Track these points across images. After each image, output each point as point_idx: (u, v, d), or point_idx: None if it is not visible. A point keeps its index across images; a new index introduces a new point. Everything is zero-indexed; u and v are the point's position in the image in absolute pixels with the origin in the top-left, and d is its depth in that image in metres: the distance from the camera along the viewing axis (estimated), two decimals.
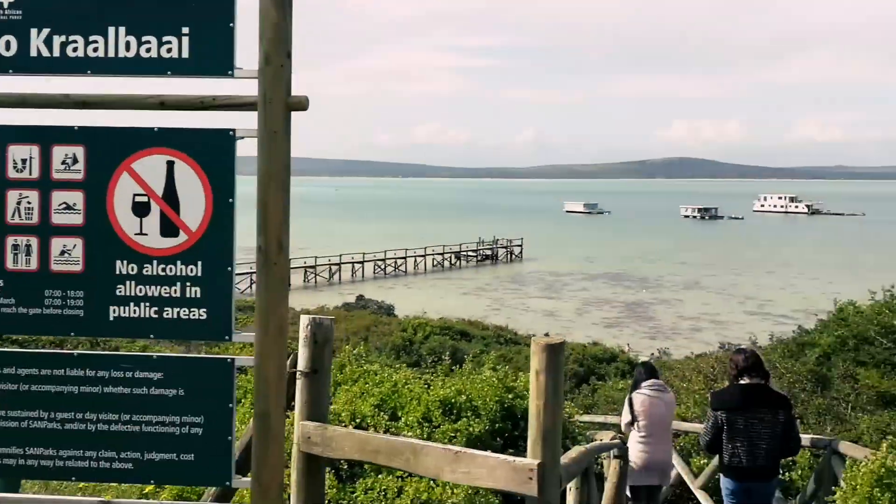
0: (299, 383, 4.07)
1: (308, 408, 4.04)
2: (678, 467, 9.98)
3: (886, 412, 9.79)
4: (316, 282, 74.40)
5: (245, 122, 3.34)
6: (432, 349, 28.39)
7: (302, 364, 4.08)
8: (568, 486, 4.92)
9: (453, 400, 8.05)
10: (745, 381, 6.17)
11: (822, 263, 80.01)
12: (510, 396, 8.28)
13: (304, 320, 4.14)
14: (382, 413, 7.81)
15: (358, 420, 7.69)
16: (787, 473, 9.21)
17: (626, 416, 8.14)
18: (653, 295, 65.97)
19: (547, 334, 35.96)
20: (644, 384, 8.03)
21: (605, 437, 7.42)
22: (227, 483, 3.36)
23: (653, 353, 27.95)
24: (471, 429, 7.58)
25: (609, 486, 6.35)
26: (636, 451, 7.83)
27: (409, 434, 7.42)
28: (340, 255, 76.35)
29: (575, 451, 4.53)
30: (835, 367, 11.71)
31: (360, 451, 3.89)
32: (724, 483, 6.43)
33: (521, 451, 5.45)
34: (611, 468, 6.49)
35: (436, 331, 30.26)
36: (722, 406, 6.21)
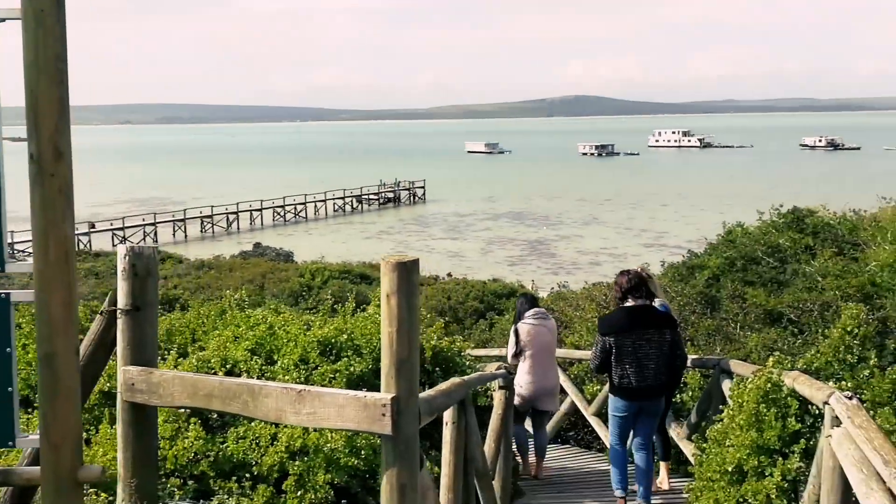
0: (120, 323, 3.51)
1: (131, 351, 3.50)
2: (572, 395, 9.87)
3: (773, 329, 9.86)
4: (213, 232, 72.35)
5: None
6: (332, 294, 27.86)
7: (122, 300, 3.51)
8: (444, 421, 4.52)
9: (333, 340, 7.58)
10: (630, 302, 6.15)
11: (715, 195, 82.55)
12: None
13: (122, 250, 3.56)
14: (256, 358, 7.28)
15: (229, 366, 7.15)
16: (678, 395, 9.17)
17: (511, 348, 8.10)
18: (554, 232, 66.86)
19: (450, 274, 35.88)
20: (527, 314, 8.01)
21: (493, 369, 7.14)
22: (11, 443, 2.80)
23: (552, 288, 28.13)
24: (351, 369, 7.14)
25: (494, 418, 6.04)
26: (525, 381, 7.79)
27: (286, 378, 6.94)
28: (237, 203, 74.25)
29: (445, 384, 4.13)
30: (723, 288, 11.77)
31: (191, 397, 3.39)
32: (614, 403, 6.36)
33: None
34: (496, 399, 6.18)
35: (335, 275, 29.61)
36: (610, 330, 6.17)
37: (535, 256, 56.87)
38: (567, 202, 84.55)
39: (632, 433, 6.58)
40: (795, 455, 5.26)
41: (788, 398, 5.47)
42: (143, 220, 70.05)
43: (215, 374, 7.01)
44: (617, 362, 6.14)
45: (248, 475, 6.06)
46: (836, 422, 4.26)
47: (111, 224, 67.90)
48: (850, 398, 4.24)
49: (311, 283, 28.68)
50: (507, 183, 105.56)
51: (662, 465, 7.37)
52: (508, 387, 6.16)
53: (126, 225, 67.95)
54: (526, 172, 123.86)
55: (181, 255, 43.66)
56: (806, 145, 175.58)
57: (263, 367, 7.19)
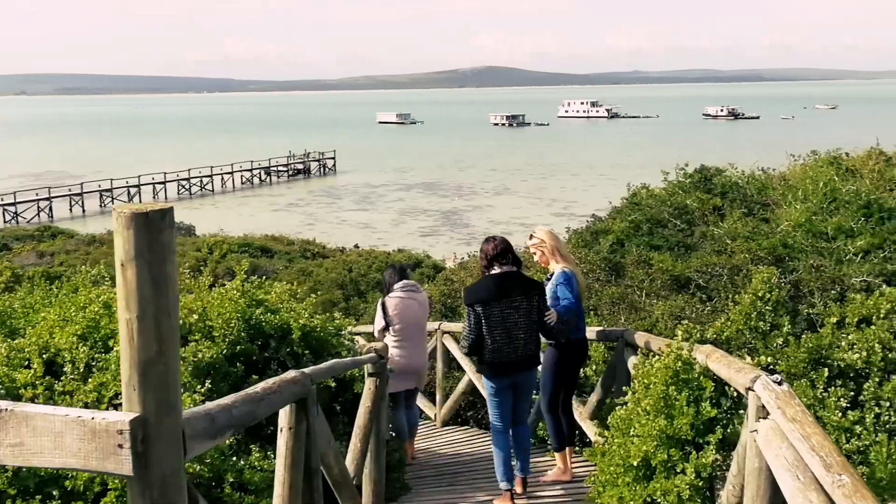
0: None
1: None
2: (469, 373, 9.02)
3: (681, 296, 9.16)
4: (114, 206, 68.87)
5: None
6: (229, 268, 26.36)
7: None
8: (280, 427, 3.46)
9: (182, 320, 6.42)
10: (496, 270, 5.77)
11: (623, 164, 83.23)
12: (259, 312, 6.75)
13: None
14: (85, 344, 6.06)
15: (49, 355, 5.93)
16: (580, 371, 8.37)
17: (379, 322, 7.62)
18: (466, 202, 66.21)
19: (357, 246, 34.67)
20: (396, 286, 7.52)
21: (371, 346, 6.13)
22: None
23: (462, 257, 27.29)
24: (200, 355, 6.01)
25: (361, 412, 5.03)
26: (392, 356, 7.21)
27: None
28: (139, 177, 70.87)
29: (264, 383, 3.06)
30: (628, 253, 11.03)
31: None
32: (488, 382, 5.99)
33: (271, 376, 4.58)
34: (365, 389, 5.17)
35: (234, 248, 28.03)
36: (476, 299, 5.73)
37: (447, 227, 56.14)
38: (479, 172, 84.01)
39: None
40: (711, 447, 4.44)
41: (702, 378, 4.63)
42: (37, 194, 66.12)
43: (29, 366, 5.78)
44: (487, 334, 5.73)
45: (58, 492, 4.90)
46: (763, 412, 3.39)
47: (1, 199, 63.87)
48: (780, 383, 3.37)
49: (207, 258, 27.07)
50: (420, 153, 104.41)
51: (560, 455, 6.63)
52: (380, 374, 5.14)
53: (18, 200, 64.11)
54: (438, 143, 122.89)
55: (75, 231, 41.16)
56: (708, 115, 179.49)
57: (95, 356, 5.99)
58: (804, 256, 8.68)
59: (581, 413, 7.33)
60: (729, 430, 4.43)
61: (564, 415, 6.62)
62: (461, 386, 9.08)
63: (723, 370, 4.22)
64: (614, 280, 10.14)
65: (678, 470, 4.44)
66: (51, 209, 65.09)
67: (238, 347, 6.33)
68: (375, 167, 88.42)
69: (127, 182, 70.73)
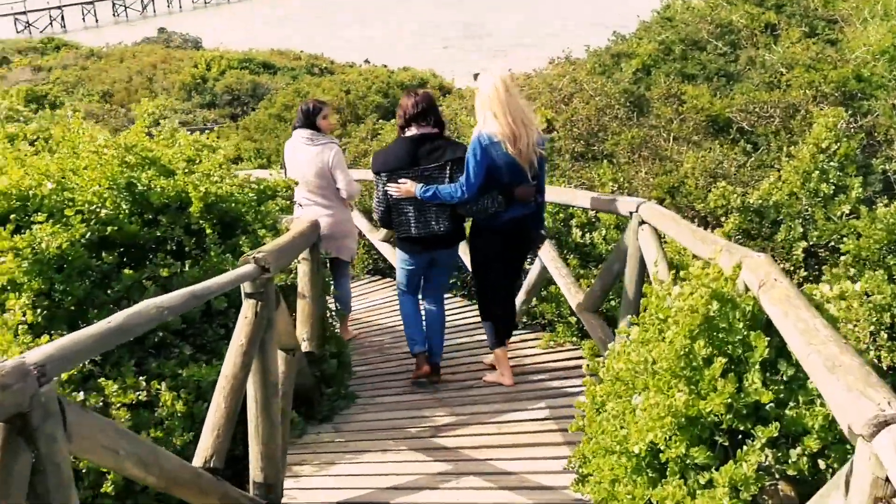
0: None
1: None
2: (364, 230, 7.49)
3: (717, 143, 7.12)
4: (127, 15, 65.67)
5: None
6: (228, 87, 24.19)
7: None
8: None
9: (30, 192, 4.60)
10: (412, 131, 4.94)
11: None
12: (148, 175, 4.91)
13: None
14: None
15: None
16: (586, 235, 6.60)
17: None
18: (492, 11, 61.97)
19: (367, 61, 32.04)
20: (296, 133, 6.11)
21: None
22: None
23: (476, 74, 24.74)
24: (44, 244, 4.23)
25: (231, 355, 3.28)
26: (297, 213, 6.10)
27: None
28: None
29: None
30: (655, 84, 8.82)
31: None
32: (400, 254, 5.36)
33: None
34: (239, 320, 3.38)
35: (234, 64, 25.65)
36: (385, 166, 5.00)
37: (470, 40, 52.57)
38: None
39: (422, 287, 5.47)
40: (758, 443, 2.65)
41: (751, 334, 2.77)
42: (48, 2, 62.83)
43: None
44: (394, 206, 5.03)
45: None
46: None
47: (12, 8, 60.87)
48: None
49: (205, 75, 24.82)
50: None
51: (497, 354, 5.40)
52: (261, 295, 3.32)
53: (29, 9, 61.08)
54: None
55: (79, 44, 38.64)
56: None
57: None
58: (884, 94, 6.52)
59: (579, 303, 5.59)
60: (791, 416, 2.65)
61: (504, 305, 5.32)
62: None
63: (790, 328, 2.38)
64: (636, 119, 8.08)
65: (704, 481, 2.71)
66: (63, 18, 62.09)
67: (110, 228, 4.53)
68: None
69: None
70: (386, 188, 4.96)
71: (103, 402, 3.92)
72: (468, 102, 10.88)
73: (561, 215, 6.77)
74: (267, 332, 3.42)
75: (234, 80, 24.30)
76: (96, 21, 63.67)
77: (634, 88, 8.52)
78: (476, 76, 5.02)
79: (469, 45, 50.18)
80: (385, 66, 25.77)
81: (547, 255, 6.05)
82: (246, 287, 3.38)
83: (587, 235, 6.70)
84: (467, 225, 5.27)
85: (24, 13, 60.56)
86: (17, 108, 7.09)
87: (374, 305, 7.58)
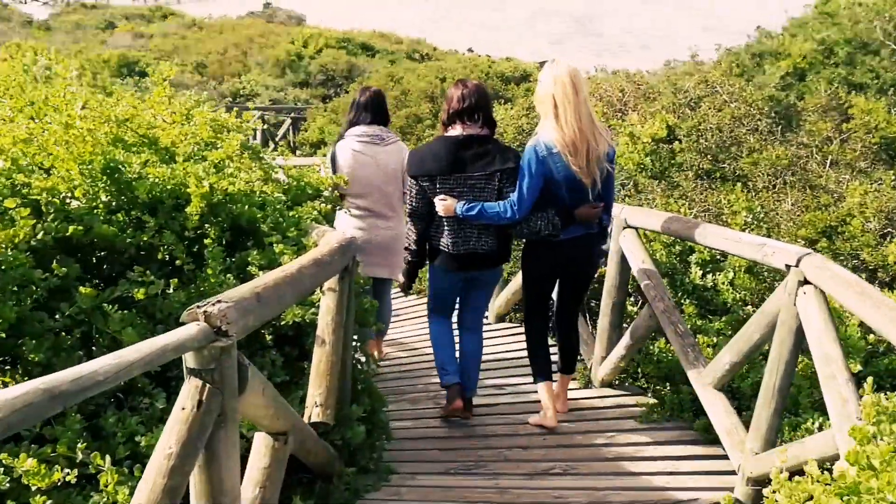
0: None
1: None
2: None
3: (894, 173, 5.49)
4: None
5: None
6: (323, 66, 23.29)
7: None
8: None
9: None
10: (456, 130, 4.04)
11: None
12: (141, 159, 3.76)
13: None
14: None
15: None
16: (707, 276, 5.19)
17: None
18: (603, 7, 59.90)
19: (471, 50, 30.79)
20: (350, 132, 5.05)
21: None
22: None
23: (587, 72, 23.16)
24: None
25: (158, 461, 2.03)
26: (350, 230, 5.04)
27: None
28: None
29: None
30: (810, 91, 7.15)
31: None
32: (432, 272, 4.52)
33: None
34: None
35: (331, 43, 24.77)
36: (421, 170, 4.09)
37: (579, 35, 50.83)
38: None
39: (458, 309, 4.65)
40: None
41: None
42: None
43: None
44: (436, 218, 4.20)
45: None
46: None
47: None
48: None
49: (301, 52, 24.00)
50: None
51: (543, 387, 4.49)
52: (212, 377, 2.04)
53: None
54: None
55: (185, 13, 38.79)
56: None
57: None
58: None
59: (699, 375, 4.12)
60: None
61: (560, 332, 4.61)
62: None
63: None
64: (781, 134, 6.48)
65: None
66: None
67: (73, 228, 3.34)
68: None
69: None
70: (424, 191, 4.10)
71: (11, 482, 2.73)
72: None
73: (678, 248, 5.35)
74: (219, 432, 2.16)
75: (330, 60, 23.41)
76: None
77: (782, 96, 6.89)
78: (541, 65, 4.44)
79: (579, 40, 48.43)
80: (488, 57, 24.44)
81: (659, 303, 4.61)
82: (188, 359, 2.13)
83: (709, 277, 5.26)
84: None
85: None
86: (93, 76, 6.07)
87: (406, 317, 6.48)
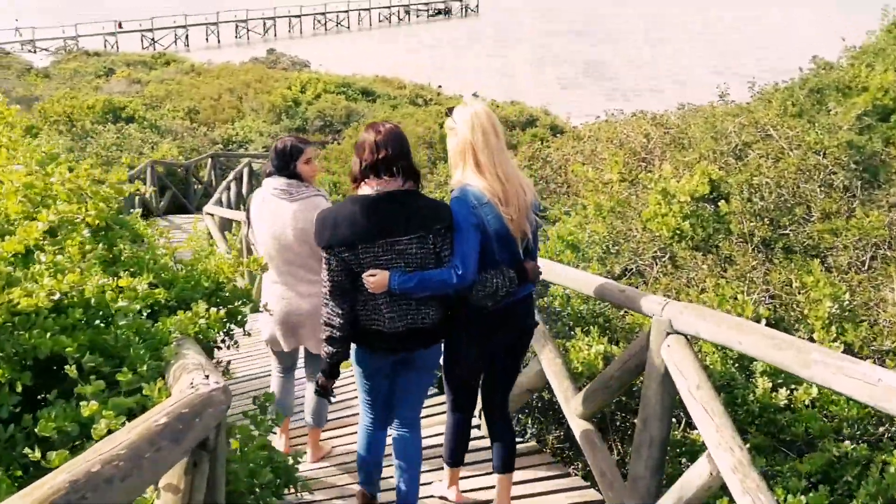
0: None
1: None
2: None
3: None
4: (249, 38, 65.97)
5: None
6: (321, 111, 21.95)
7: None
8: None
9: None
10: (371, 187, 3.31)
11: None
12: None
13: None
14: None
15: None
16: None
17: (245, 230, 5.35)
18: (614, 51, 59.01)
19: (475, 95, 29.49)
20: (267, 180, 4.32)
21: None
22: None
23: (597, 116, 21.74)
24: None
25: None
26: (266, 294, 4.41)
27: None
28: (275, 9, 67.29)
29: None
30: None
31: None
32: (357, 358, 3.59)
33: None
34: None
35: (330, 88, 23.48)
36: (336, 240, 3.30)
37: (590, 79, 49.70)
38: (637, 18, 75.46)
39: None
40: None
41: None
42: (174, 21, 63.82)
43: None
44: (364, 292, 3.37)
45: None
46: None
47: (140, 25, 62.11)
48: None
49: (298, 98, 22.68)
50: None
51: (500, 482, 3.95)
52: None
53: (156, 27, 62.20)
54: None
55: (186, 59, 37.85)
56: None
57: None
58: None
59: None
60: None
61: (495, 426, 3.92)
62: None
63: None
64: (861, 190, 4.88)
65: None
66: (187, 38, 62.90)
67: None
68: (522, 8, 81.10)
69: (263, 14, 67.56)
70: (345, 263, 3.33)
71: None
72: (585, 146, 7.88)
73: (735, 350, 3.85)
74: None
75: (329, 105, 22.08)
76: (218, 42, 64.26)
77: (862, 141, 5.31)
78: (449, 112, 3.49)
79: (589, 84, 47.27)
80: (493, 101, 23.09)
81: (726, 454, 3.09)
82: None
83: (781, 391, 3.84)
84: None
85: (150, 31, 61.67)
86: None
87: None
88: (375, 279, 3.28)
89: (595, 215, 5.42)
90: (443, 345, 3.66)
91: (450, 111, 3.44)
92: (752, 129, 5.65)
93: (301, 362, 4.77)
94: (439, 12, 79.34)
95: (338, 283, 3.33)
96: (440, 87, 29.25)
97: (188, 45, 61.45)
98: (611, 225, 5.33)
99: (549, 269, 4.25)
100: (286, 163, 4.16)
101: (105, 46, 55.66)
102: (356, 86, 24.63)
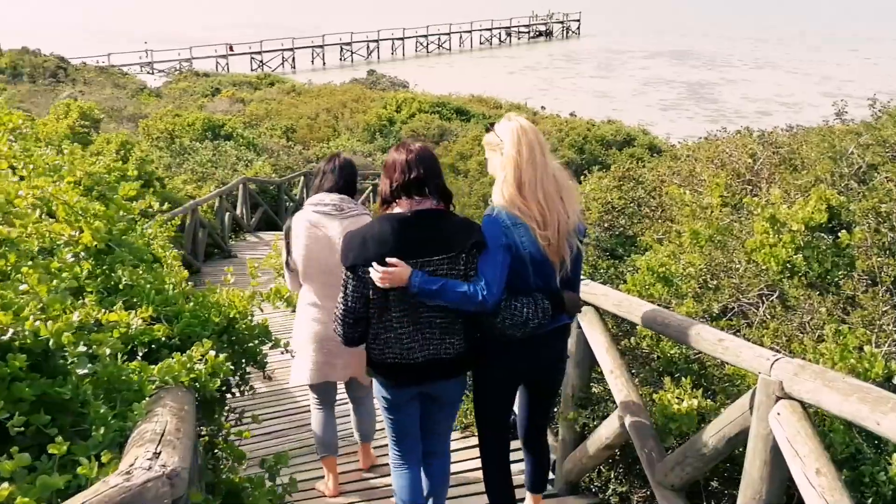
0: None
1: None
2: None
3: None
4: (353, 60, 67.06)
5: None
6: (414, 130, 21.69)
7: None
8: None
9: None
10: (404, 206, 3.13)
11: None
12: None
13: None
14: None
15: None
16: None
17: (283, 256, 4.09)
18: (719, 75, 57.01)
19: (573, 114, 28.73)
20: (309, 200, 3.94)
21: None
22: None
23: (699, 138, 20.65)
24: None
25: None
26: (301, 319, 4.02)
27: None
28: (378, 31, 68.24)
29: None
30: None
31: None
32: (378, 388, 3.34)
33: None
34: None
35: (425, 108, 23.22)
36: (364, 257, 3.06)
37: (692, 101, 48.11)
38: (741, 42, 72.94)
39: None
40: None
41: None
42: (282, 44, 65.52)
43: None
44: (378, 318, 3.13)
45: None
46: None
47: (249, 48, 64.03)
48: None
49: (392, 117, 22.51)
50: (674, 18, 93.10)
51: (530, 499, 3.84)
52: None
53: (264, 49, 63.99)
54: (698, 6, 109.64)
55: (289, 80, 38.57)
56: None
57: None
58: None
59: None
60: None
61: (531, 455, 3.74)
62: None
63: None
64: None
65: None
66: (294, 60, 64.43)
67: None
68: (623, 31, 79.67)
69: (367, 37, 68.62)
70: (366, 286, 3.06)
71: None
72: (682, 166, 7.12)
73: None
74: None
75: (422, 125, 21.81)
76: (323, 64, 65.55)
77: None
78: (489, 128, 3.24)
79: (692, 107, 45.69)
80: (590, 120, 22.32)
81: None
82: None
83: None
84: None
85: (259, 53, 63.47)
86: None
87: None
88: (395, 271, 2.98)
89: (692, 244, 4.72)
90: (469, 377, 3.45)
91: (490, 126, 3.23)
92: (878, 150, 4.85)
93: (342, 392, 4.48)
94: (540, 34, 78.85)
95: (352, 308, 3.11)
96: (543, 107, 28.56)
97: (294, 68, 62.93)
98: (709, 255, 4.61)
99: (629, 306, 3.64)
100: (346, 178, 4.04)
101: (217, 68, 57.62)
102: (450, 105, 24.30)
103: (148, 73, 55.85)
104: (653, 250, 5.05)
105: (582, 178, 9.06)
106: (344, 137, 21.58)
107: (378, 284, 3.02)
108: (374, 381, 3.39)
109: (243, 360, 2.77)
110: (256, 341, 2.78)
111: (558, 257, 3.18)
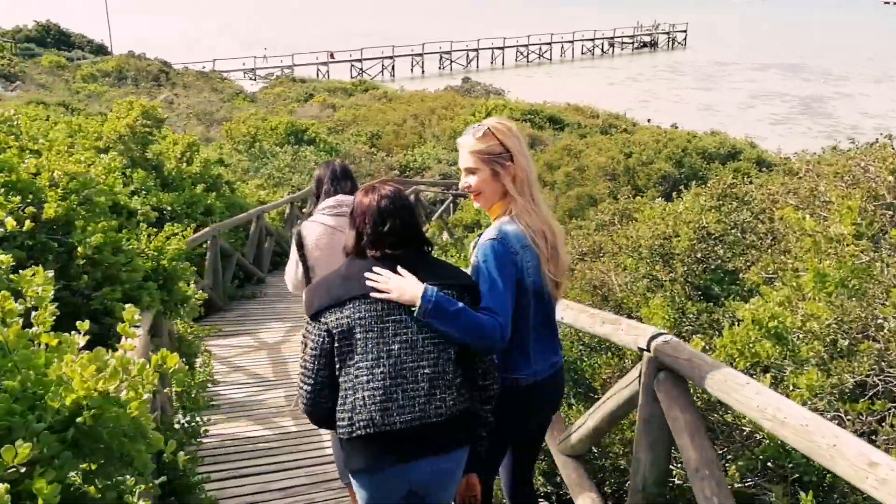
0: None
1: None
2: None
3: None
4: (451, 69, 66.59)
5: None
6: None
7: None
8: None
9: None
10: (375, 251, 2.57)
11: None
12: None
13: None
14: None
15: None
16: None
17: (291, 266, 3.81)
18: (833, 89, 53.66)
19: (675, 125, 26.97)
20: (323, 204, 3.74)
21: None
22: None
23: (815, 153, 18.77)
24: None
25: None
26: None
27: None
28: (478, 41, 67.59)
29: None
30: None
31: None
32: (357, 484, 2.55)
33: None
34: None
35: (516, 115, 22.09)
36: (327, 301, 2.48)
37: (806, 116, 45.26)
38: (855, 57, 68.77)
39: None
40: None
41: None
42: (382, 52, 65.65)
43: None
44: (347, 381, 2.41)
45: None
46: None
47: (350, 55, 64.44)
48: None
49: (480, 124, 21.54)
50: (785, 32, 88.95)
51: None
52: None
53: (364, 57, 64.23)
54: (810, 21, 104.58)
55: (382, 86, 38.15)
56: None
57: None
58: None
59: None
60: None
61: (512, 493, 3.14)
62: None
63: None
64: None
65: None
66: (393, 68, 64.45)
67: None
68: (730, 43, 76.46)
69: (466, 46, 68.11)
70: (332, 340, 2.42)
71: None
72: (801, 184, 5.77)
73: None
74: None
75: None
76: (422, 72, 65.33)
77: None
78: (485, 131, 2.66)
79: (805, 122, 42.92)
80: (692, 132, 20.72)
81: None
82: None
83: None
84: None
85: (359, 60, 63.77)
86: None
87: None
88: (400, 280, 2.40)
89: (816, 289, 3.45)
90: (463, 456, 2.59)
91: (489, 129, 2.64)
92: None
93: None
94: (645, 45, 76.52)
95: (311, 370, 2.42)
96: (649, 120, 26.94)
97: (393, 75, 62.91)
98: (841, 307, 3.34)
99: (722, 383, 2.53)
100: (350, 181, 3.82)
101: (317, 76, 58.09)
102: (544, 113, 23.09)
103: (250, 79, 56.79)
104: (761, 295, 3.80)
105: (676, 194, 7.76)
106: (429, 145, 20.70)
107: (378, 294, 2.40)
108: (345, 454, 2.50)
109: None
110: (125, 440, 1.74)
111: (559, 291, 2.78)
